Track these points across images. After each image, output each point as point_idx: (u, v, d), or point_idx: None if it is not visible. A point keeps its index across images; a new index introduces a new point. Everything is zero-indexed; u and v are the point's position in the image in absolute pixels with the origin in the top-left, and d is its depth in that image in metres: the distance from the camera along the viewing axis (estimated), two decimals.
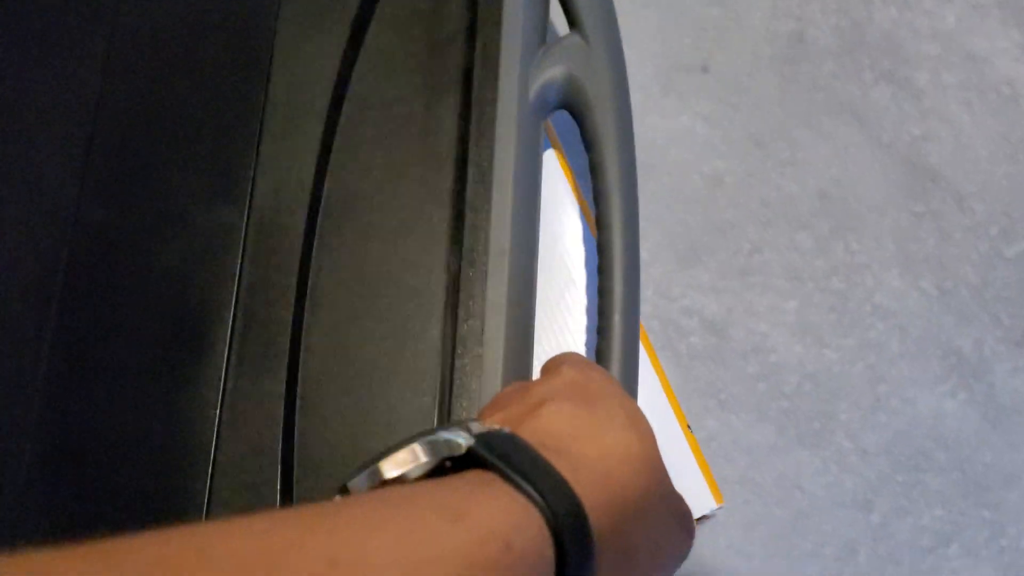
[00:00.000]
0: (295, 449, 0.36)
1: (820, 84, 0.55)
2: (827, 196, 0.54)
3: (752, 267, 0.53)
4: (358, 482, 0.24)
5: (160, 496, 0.36)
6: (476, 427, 0.25)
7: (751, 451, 0.50)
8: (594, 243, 0.44)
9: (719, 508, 0.42)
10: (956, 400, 0.52)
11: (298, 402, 0.37)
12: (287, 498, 0.36)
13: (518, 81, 0.41)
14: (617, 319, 0.40)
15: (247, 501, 0.35)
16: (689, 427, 0.43)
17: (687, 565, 0.48)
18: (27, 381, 0.37)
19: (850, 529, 0.50)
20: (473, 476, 0.23)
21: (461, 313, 0.38)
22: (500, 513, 0.22)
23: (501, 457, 0.23)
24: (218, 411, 0.37)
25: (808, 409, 0.51)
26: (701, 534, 0.49)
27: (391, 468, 0.24)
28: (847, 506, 0.50)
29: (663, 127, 0.54)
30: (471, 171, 0.40)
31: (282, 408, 0.37)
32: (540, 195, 0.41)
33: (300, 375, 0.38)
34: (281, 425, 0.37)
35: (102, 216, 0.39)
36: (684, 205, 0.53)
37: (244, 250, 0.39)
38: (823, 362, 0.52)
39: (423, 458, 0.24)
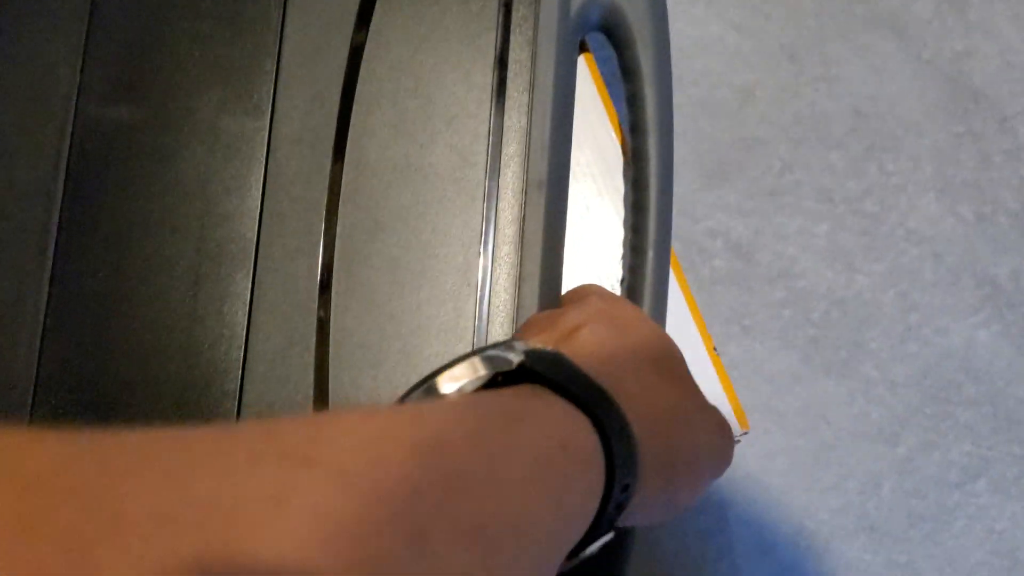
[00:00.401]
0: (329, 345, 0.35)
1: None
2: (862, 114, 0.51)
3: (782, 187, 0.50)
4: (415, 396, 0.25)
5: (191, 391, 0.34)
6: (521, 346, 0.26)
7: (774, 380, 0.48)
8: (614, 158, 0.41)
9: (744, 434, 0.40)
10: (989, 331, 0.49)
11: (333, 300, 0.35)
12: (320, 393, 0.34)
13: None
14: (651, 255, 0.38)
15: (280, 397, 0.34)
16: (715, 349, 0.40)
17: (705, 493, 0.46)
18: (37, 277, 0.35)
19: (875, 462, 0.48)
20: (525, 389, 0.25)
21: (498, 239, 0.36)
22: (554, 419, 0.23)
23: (550, 370, 0.25)
24: (248, 309, 0.35)
25: (835, 337, 0.49)
26: None
27: (448, 382, 0.25)
28: (873, 439, 0.48)
29: (691, 34, 0.51)
30: (509, 84, 0.37)
31: (316, 304, 0.35)
32: (573, 116, 0.39)
33: (334, 277, 0.36)
34: (315, 321, 0.35)
35: (110, 114, 0.36)
36: (711, 119, 0.50)
37: (269, 149, 0.36)
38: (853, 288, 0.49)
39: (481, 371, 0.25)
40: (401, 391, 0.26)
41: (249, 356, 0.35)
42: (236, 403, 0.34)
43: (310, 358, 0.35)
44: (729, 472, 0.47)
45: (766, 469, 0.48)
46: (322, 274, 0.36)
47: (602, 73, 0.44)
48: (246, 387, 0.34)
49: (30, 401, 0.34)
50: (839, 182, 0.50)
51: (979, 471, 0.48)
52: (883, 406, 0.48)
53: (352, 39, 0.37)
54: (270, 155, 0.37)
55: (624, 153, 0.42)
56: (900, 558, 0.47)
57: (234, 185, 0.36)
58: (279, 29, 0.38)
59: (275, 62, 0.38)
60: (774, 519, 0.47)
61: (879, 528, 0.47)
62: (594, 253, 0.42)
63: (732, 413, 0.40)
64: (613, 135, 0.42)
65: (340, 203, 0.36)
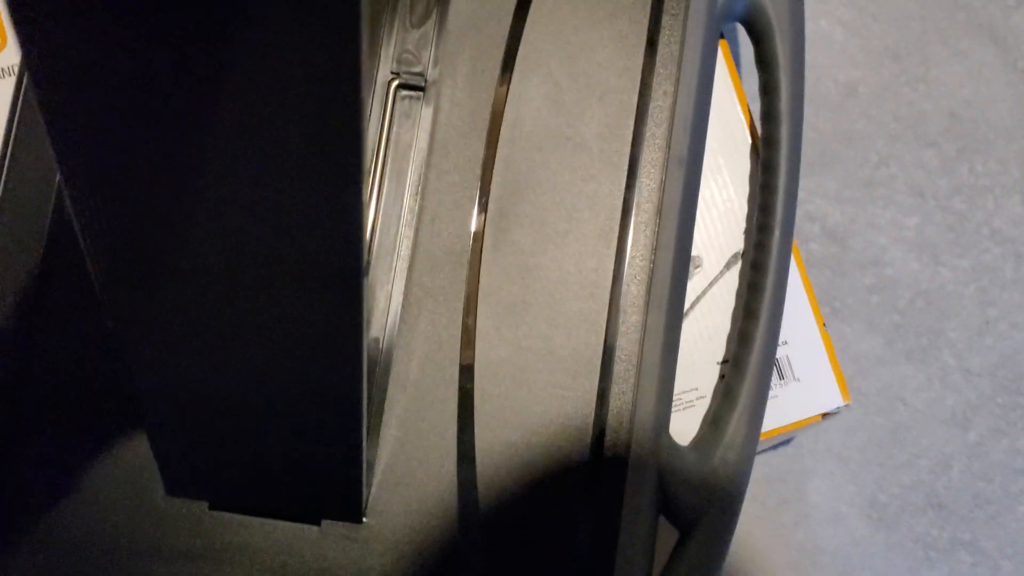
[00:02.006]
0: (478, 288, 0.37)
1: (961, 3, 0.54)
2: (957, 116, 0.53)
3: (877, 179, 0.52)
4: None
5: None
6: None
7: (858, 360, 0.51)
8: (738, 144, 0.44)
9: (845, 405, 0.42)
10: None
11: (483, 255, 0.38)
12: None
13: None
14: (777, 234, 0.41)
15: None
16: (825, 326, 0.43)
17: (786, 462, 0.49)
18: None
19: (947, 445, 0.51)
20: None
21: (640, 207, 0.39)
22: None
23: None
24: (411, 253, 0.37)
25: (918, 325, 0.52)
26: (803, 436, 0.51)
27: None
28: (946, 422, 0.51)
29: None
30: (658, 64, 0.40)
31: (468, 253, 0.38)
32: (711, 98, 0.42)
33: (485, 233, 0.38)
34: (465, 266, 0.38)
35: None
36: (816, 110, 0.53)
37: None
38: (937, 280, 0.52)
39: None
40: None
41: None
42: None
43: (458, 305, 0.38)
44: (811, 443, 0.50)
45: (846, 443, 0.51)
46: (476, 226, 0.38)
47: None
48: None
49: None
50: (931, 179, 0.53)
51: None
52: (958, 393, 0.51)
53: (514, 14, 0.40)
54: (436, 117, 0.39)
55: (753, 136, 0.45)
56: (964, 536, 0.50)
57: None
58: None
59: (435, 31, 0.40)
60: (850, 491, 0.50)
61: (946, 506, 0.50)
62: (710, 224, 0.45)
63: (837, 385, 0.43)
64: (742, 118, 0.45)
65: (495, 165, 0.39)
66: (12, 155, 0.39)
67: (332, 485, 0.36)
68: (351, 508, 0.37)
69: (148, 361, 0.30)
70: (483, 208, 0.39)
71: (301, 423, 0.33)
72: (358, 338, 0.29)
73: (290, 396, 0.32)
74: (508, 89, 0.40)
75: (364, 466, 0.35)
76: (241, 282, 0.28)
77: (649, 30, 0.40)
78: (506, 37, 0.40)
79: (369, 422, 0.36)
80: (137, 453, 0.37)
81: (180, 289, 0.28)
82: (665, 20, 0.40)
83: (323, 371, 0.31)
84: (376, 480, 0.37)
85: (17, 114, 0.39)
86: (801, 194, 0.51)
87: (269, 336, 0.30)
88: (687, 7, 0.40)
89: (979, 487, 0.51)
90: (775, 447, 0.50)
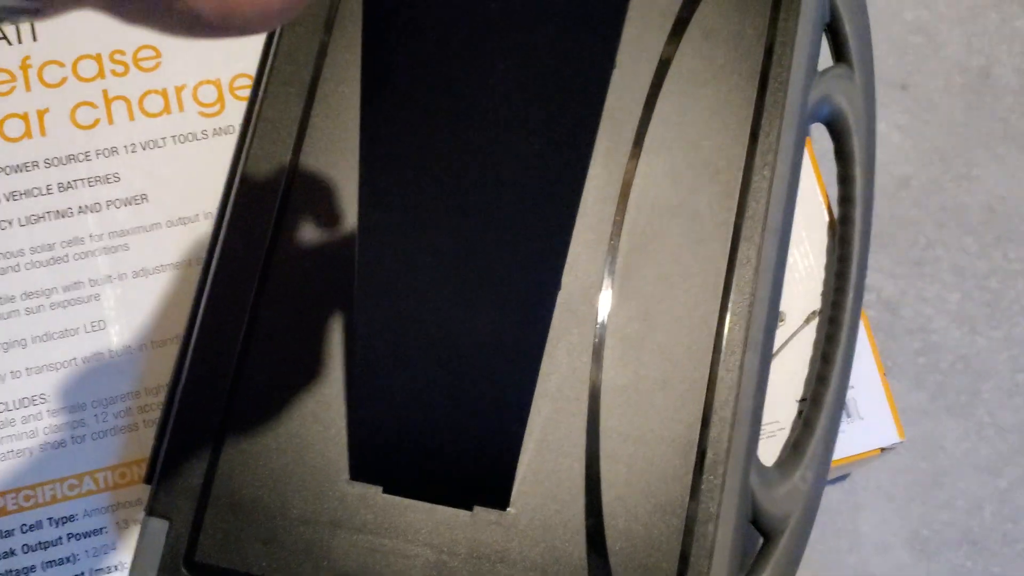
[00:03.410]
0: (605, 337, 0.46)
1: (1000, 115, 0.64)
2: (994, 210, 0.63)
3: (925, 259, 0.62)
4: None
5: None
6: None
7: (905, 412, 0.59)
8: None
9: (900, 442, 0.51)
10: None
11: (612, 306, 0.46)
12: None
13: (800, 95, 0.50)
14: (851, 296, 0.49)
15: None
16: (885, 374, 0.52)
17: (842, 497, 0.57)
18: None
19: (980, 489, 0.59)
20: None
21: (739, 268, 0.47)
22: None
23: None
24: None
25: (957, 384, 0.60)
26: (857, 474, 0.59)
27: None
28: (980, 470, 0.59)
29: None
30: (759, 151, 0.48)
31: (596, 306, 0.46)
32: (799, 183, 0.50)
33: (614, 290, 0.47)
34: (595, 311, 0.46)
35: None
36: (875, 199, 0.62)
37: None
38: (974, 347, 0.61)
39: None
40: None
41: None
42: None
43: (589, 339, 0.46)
44: (863, 481, 0.58)
45: (894, 482, 0.59)
46: (607, 274, 0.47)
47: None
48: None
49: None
50: (971, 261, 0.62)
51: None
52: (990, 445, 0.60)
53: (644, 105, 0.49)
54: None
55: (829, 215, 0.54)
56: (995, 569, 0.58)
57: None
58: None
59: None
60: (896, 524, 0.58)
61: (979, 543, 0.58)
62: (794, 285, 0.53)
63: (894, 424, 0.51)
64: (821, 200, 0.54)
65: (623, 226, 0.48)
66: (235, 203, 0.47)
67: (486, 475, 0.44)
68: (501, 497, 0.44)
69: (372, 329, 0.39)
70: (613, 260, 0.47)
71: (476, 411, 0.41)
72: (541, 346, 0.38)
73: (473, 386, 0.40)
74: (637, 165, 0.49)
75: (518, 458, 0.44)
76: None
77: (752, 124, 0.49)
78: (636, 125, 0.49)
79: None
80: (328, 445, 0.45)
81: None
82: (765, 117, 0.49)
83: (506, 369, 0.39)
84: (520, 475, 0.45)
85: (241, 169, 0.47)
86: None
87: (474, 332, 0.38)
88: (783, 108, 0.49)
89: (1007, 528, 0.59)
90: (833, 482, 0.59)
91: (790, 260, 0.53)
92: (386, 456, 0.45)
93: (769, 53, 0.50)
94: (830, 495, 0.58)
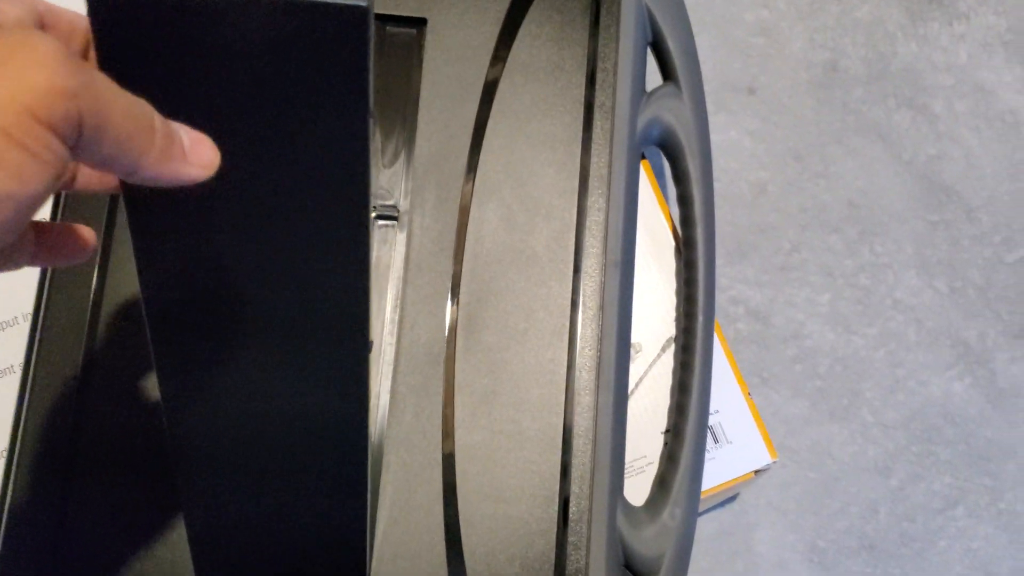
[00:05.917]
0: (455, 377, 0.44)
1: (850, 108, 0.63)
2: (855, 205, 0.62)
3: (791, 264, 0.60)
4: None
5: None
6: None
7: (788, 422, 0.58)
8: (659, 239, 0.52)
9: (773, 462, 0.49)
10: (963, 383, 0.60)
11: (457, 353, 0.45)
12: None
13: (628, 120, 0.48)
14: (700, 319, 0.48)
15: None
16: (749, 394, 0.50)
17: (733, 518, 0.56)
18: None
19: (872, 492, 0.58)
20: None
21: (585, 305, 0.46)
22: None
23: None
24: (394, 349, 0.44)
25: (838, 388, 0.59)
26: (746, 492, 0.57)
27: None
28: (870, 472, 0.58)
29: (715, 140, 0.62)
30: (591, 185, 0.47)
31: (444, 348, 0.45)
32: (637, 211, 0.49)
33: (457, 335, 0.45)
34: (443, 355, 0.44)
35: None
36: (732, 208, 0.61)
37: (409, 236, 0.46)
38: (851, 348, 0.60)
39: None
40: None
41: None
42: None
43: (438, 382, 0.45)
44: (753, 499, 0.57)
45: (783, 497, 0.57)
46: (449, 330, 0.45)
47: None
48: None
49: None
50: (838, 260, 0.61)
51: (957, 499, 0.58)
52: (878, 445, 0.59)
53: (469, 151, 0.48)
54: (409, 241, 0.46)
55: (675, 238, 0.53)
56: (895, 572, 0.57)
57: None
58: (413, 129, 0.48)
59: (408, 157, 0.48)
60: (791, 539, 0.57)
61: (877, 547, 0.57)
62: (646, 314, 0.52)
63: (764, 444, 0.50)
64: (665, 223, 0.52)
65: (462, 278, 0.46)
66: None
67: (339, 564, 0.42)
68: None
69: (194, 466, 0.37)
70: (454, 315, 0.46)
71: (315, 517, 0.40)
72: (364, 414, 0.36)
73: (308, 494, 0.38)
74: (469, 214, 0.47)
75: (368, 547, 0.41)
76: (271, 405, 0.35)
77: (581, 157, 0.48)
78: (464, 171, 0.47)
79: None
80: (172, 550, 0.43)
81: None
82: (594, 148, 0.48)
83: (334, 475, 0.38)
84: (376, 555, 0.43)
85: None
86: (724, 281, 0.59)
87: (293, 447, 0.36)
88: (611, 136, 0.48)
89: (904, 527, 0.58)
90: (722, 504, 0.57)
91: (640, 288, 0.51)
92: (233, 558, 0.42)
93: (592, 80, 0.48)
94: (721, 517, 0.57)
